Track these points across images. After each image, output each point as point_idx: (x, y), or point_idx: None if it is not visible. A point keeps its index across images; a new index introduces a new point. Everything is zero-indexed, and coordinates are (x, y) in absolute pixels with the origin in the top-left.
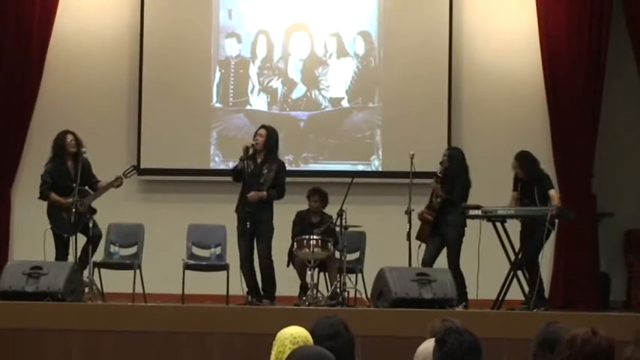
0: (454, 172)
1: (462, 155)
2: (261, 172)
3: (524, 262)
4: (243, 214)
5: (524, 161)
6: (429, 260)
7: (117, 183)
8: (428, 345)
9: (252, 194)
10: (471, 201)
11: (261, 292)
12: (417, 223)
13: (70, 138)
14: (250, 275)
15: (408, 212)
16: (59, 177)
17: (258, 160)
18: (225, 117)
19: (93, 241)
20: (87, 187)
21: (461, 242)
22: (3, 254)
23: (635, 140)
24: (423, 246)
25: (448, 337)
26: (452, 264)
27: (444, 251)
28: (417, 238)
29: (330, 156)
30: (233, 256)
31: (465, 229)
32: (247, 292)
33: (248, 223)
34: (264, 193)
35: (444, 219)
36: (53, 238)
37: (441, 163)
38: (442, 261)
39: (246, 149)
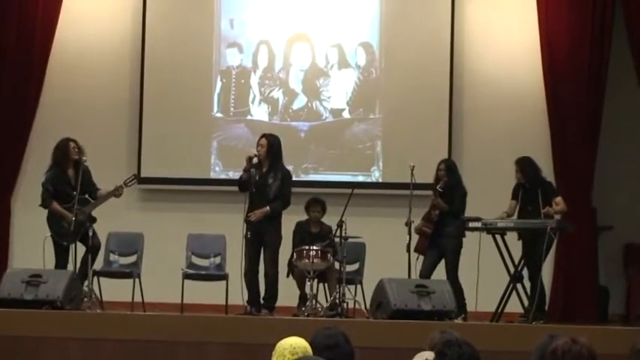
0: (452, 184)
1: (456, 165)
2: (266, 182)
3: (529, 274)
4: (250, 223)
5: (524, 165)
6: (426, 272)
7: (117, 192)
8: None
9: (254, 214)
10: (470, 211)
11: (262, 302)
12: (415, 236)
13: (72, 145)
14: (252, 285)
15: (408, 224)
16: (60, 185)
17: (264, 170)
18: (226, 127)
19: (92, 251)
20: (87, 196)
21: (459, 254)
22: (2, 262)
23: (635, 153)
24: (421, 258)
25: (448, 349)
26: (450, 276)
27: (442, 264)
28: (416, 250)
29: (331, 167)
30: (232, 266)
31: (463, 240)
32: (247, 302)
33: (251, 232)
34: (267, 209)
35: (442, 231)
36: (53, 246)
37: (438, 177)
38: (441, 273)
39: (250, 159)
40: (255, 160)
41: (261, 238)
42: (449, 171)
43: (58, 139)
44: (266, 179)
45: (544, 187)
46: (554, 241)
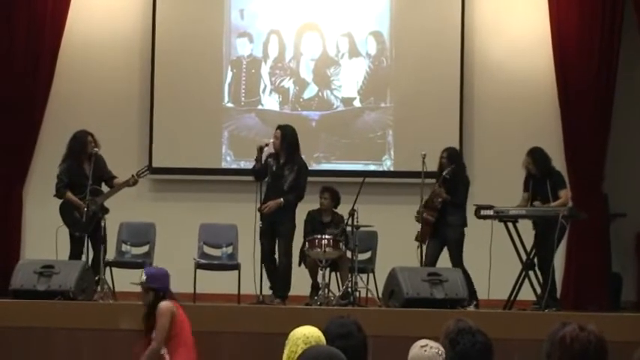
0: (457, 173)
1: (459, 153)
2: (282, 173)
3: (539, 262)
4: (263, 213)
5: (537, 156)
6: (430, 262)
7: (131, 181)
8: (416, 351)
9: (267, 206)
10: (481, 199)
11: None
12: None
13: (90, 139)
14: (271, 270)
15: (420, 212)
16: (75, 176)
17: (281, 161)
18: (237, 117)
19: (101, 243)
20: (104, 183)
21: (462, 243)
22: (15, 253)
23: None
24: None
25: (460, 337)
26: (455, 264)
27: (445, 252)
28: (417, 239)
29: (342, 156)
30: (244, 256)
31: (465, 229)
32: (270, 287)
33: (265, 223)
34: (281, 200)
35: (445, 220)
36: (69, 236)
37: (441, 165)
38: (444, 263)
39: (260, 149)
40: (266, 149)
41: (274, 228)
42: (451, 159)
43: (70, 131)
44: (282, 170)
45: (553, 178)
46: (567, 229)
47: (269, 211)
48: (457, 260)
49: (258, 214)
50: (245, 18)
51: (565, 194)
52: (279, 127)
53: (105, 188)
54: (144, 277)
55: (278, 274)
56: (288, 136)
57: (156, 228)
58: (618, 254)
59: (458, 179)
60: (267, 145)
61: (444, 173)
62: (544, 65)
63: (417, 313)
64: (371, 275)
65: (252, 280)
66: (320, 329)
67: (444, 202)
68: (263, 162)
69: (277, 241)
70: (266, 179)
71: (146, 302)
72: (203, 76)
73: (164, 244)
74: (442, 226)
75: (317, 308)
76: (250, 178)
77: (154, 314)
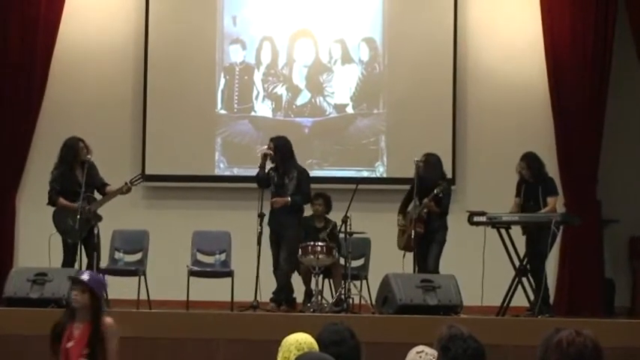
0: (447, 188)
1: (440, 160)
2: (283, 182)
3: (530, 268)
4: (270, 220)
5: (531, 161)
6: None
7: (124, 189)
8: (412, 357)
9: (275, 199)
10: (474, 206)
11: (271, 295)
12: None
13: (81, 145)
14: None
15: (413, 219)
16: (67, 183)
17: (280, 171)
18: (230, 123)
19: (95, 250)
20: (96, 190)
21: (443, 247)
22: (8, 260)
23: None
24: (408, 254)
25: (452, 343)
26: (431, 267)
27: (443, 257)
28: (404, 248)
29: (335, 162)
30: (237, 263)
31: (447, 232)
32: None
33: (273, 231)
34: (288, 198)
35: (429, 226)
36: (62, 244)
37: (418, 168)
38: (444, 268)
39: (265, 157)
40: (269, 157)
41: (280, 234)
42: (429, 166)
43: (63, 137)
44: (283, 180)
45: (545, 184)
46: (558, 235)
47: (276, 205)
48: (434, 262)
49: (263, 221)
50: (238, 24)
51: (553, 201)
52: (272, 140)
53: (97, 196)
54: (86, 277)
55: (276, 280)
56: (280, 147)
57: (149, 235)
58: (611, 260)
59: (446, 193)
60: (270, 153)
61: (435, 191)
62: (537, 70)
63: (411, 320)
64: (364, 282)
65: (245, 287)
66: (313, 336)
67: (430, 212)
68: (267, 171)
69: (281, 245)
70: (270, 188)
71: (80, 304)
72: (196, 83)
73: (157, 251)
74: (428, 234)
75: (310, 315)
76: (244, 184)
77: (98, 329)
